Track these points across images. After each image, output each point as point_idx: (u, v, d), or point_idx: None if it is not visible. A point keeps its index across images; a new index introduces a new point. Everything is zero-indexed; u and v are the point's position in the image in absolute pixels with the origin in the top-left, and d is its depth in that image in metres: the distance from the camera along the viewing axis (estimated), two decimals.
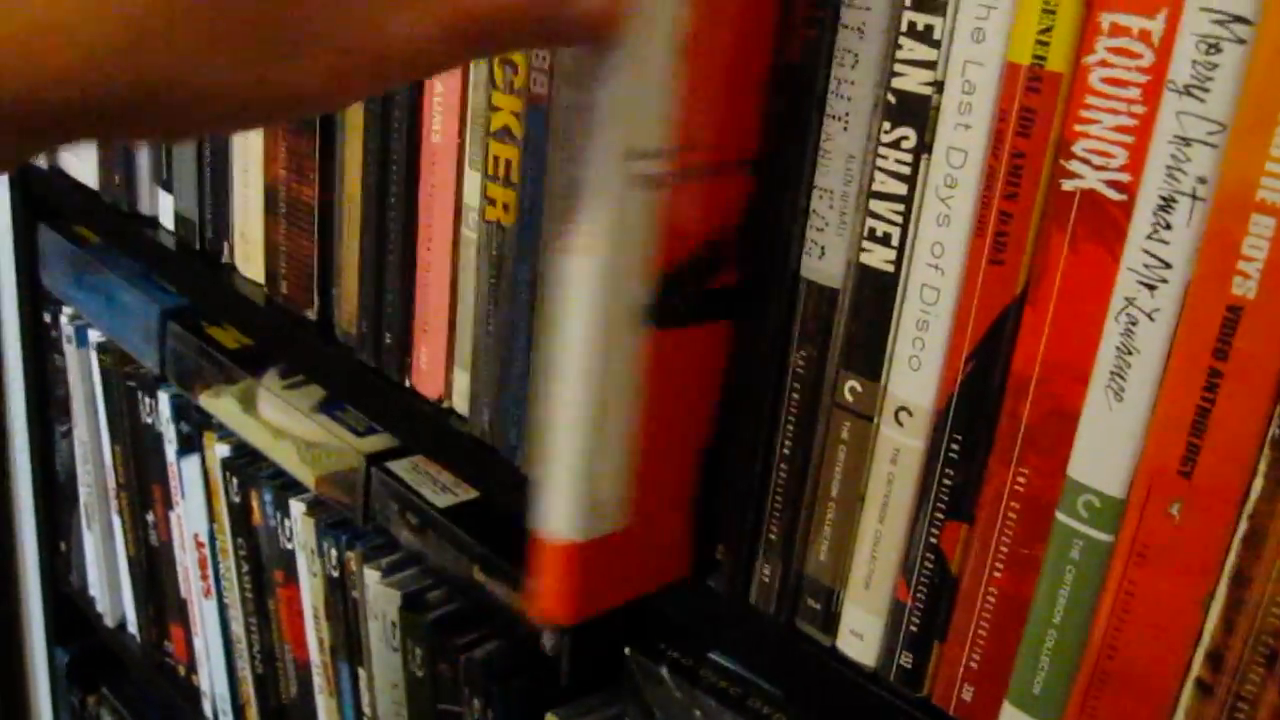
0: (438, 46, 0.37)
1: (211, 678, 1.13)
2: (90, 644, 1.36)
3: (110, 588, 1.26)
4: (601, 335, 0.46)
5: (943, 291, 0.46)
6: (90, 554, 1.27)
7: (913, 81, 0.45)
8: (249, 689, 1.08)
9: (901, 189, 0.46)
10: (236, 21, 0.34)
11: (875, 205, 0.47)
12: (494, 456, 0.68)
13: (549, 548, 0.50)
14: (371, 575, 0.84)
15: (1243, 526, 0.40)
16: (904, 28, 0.45)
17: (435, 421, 0.72)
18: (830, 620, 0.54)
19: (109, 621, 1.28)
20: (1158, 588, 0.43)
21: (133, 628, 1.25)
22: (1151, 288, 0.40)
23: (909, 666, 0.51)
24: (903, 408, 0.49)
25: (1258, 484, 0.39)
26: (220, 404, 0.97)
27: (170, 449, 1.06)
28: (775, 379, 0.53)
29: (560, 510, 0.49)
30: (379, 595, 0.83)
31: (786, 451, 0.53)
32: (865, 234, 0.48)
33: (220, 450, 0.99)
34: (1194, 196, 0.39)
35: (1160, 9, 0.39)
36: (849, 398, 0.50)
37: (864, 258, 0.48)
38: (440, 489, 0.81)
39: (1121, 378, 0.42)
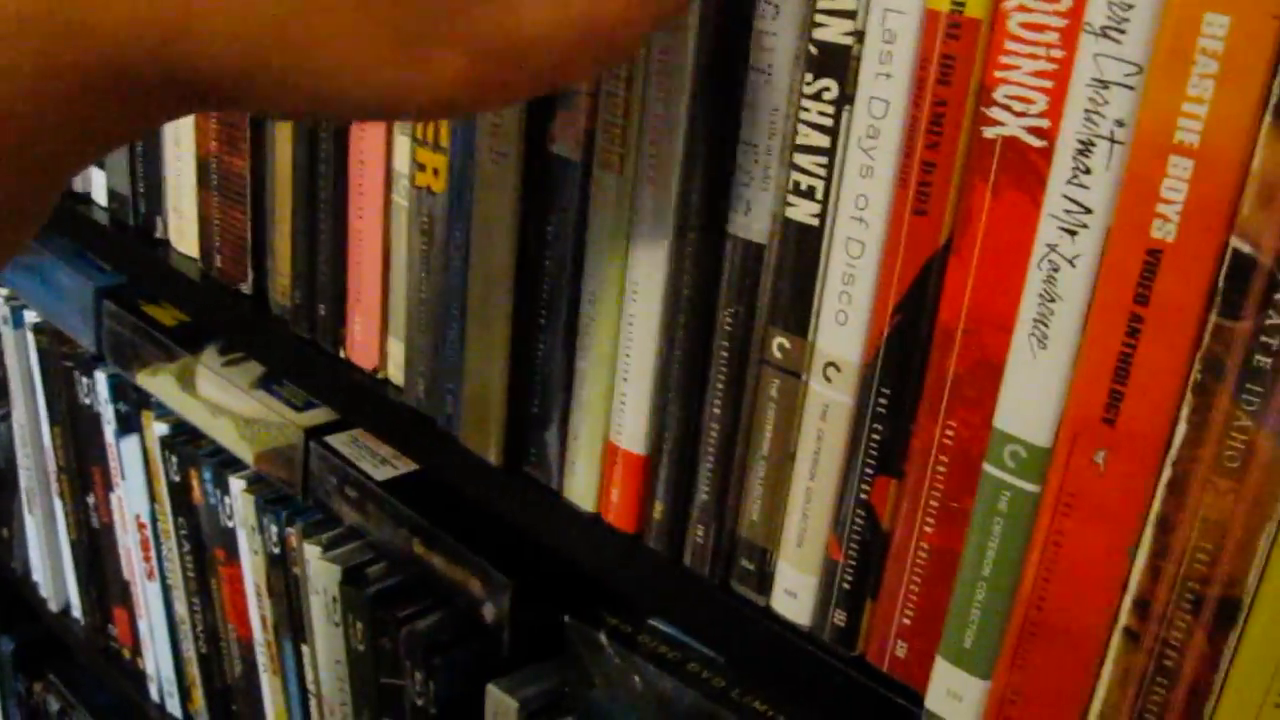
0: (576, 52, 0.37)
1: (157, 660, 1.12)
2: (35, 630, 1.34)
3: (53, 572, 1.25)
4: None
5: (867, 244, 0.46)
6: (32, 539, 1.25)
7: (834, 32, 0.45)
8: (194, 670, 1.07)
9: (825, 141, 0.46)
10: (374, 13, 0.34)
11: (799, 159, 0.47)
12: (431, 428, 0.67)
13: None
14: (312, 550, 0.83)
15: (1166, 473, 0.40)
16: None
17: (371, 393, 0.71)
18: (765, 580, 0.54)
19: (53, 607, 1.27)
20: (1084, 537, 0.42)
21: (77, 612, 1.24)
22: (1072, 233, 0.40)
23: (842, 625, 0.51)
24: (831, 363, 0.48)
25: (1180, 430, 0.39)
26: (158, 382, 0.96)
27: (109, 429, 1.05)
28: (704, 337, 0.52)
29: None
30: (320, 570, 0.82)
31: (716, 410, 0.53)
32: (790, 188, 0.47)
33: (159, 429, 0.98)
34: (1112, 140, 0.38)
35: None
36: (777, 355, 0.50)
37: (789, 212, 0.48)
38: (380, 462, 0.80)
39: (1045, 325, 0.41)
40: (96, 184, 0.93)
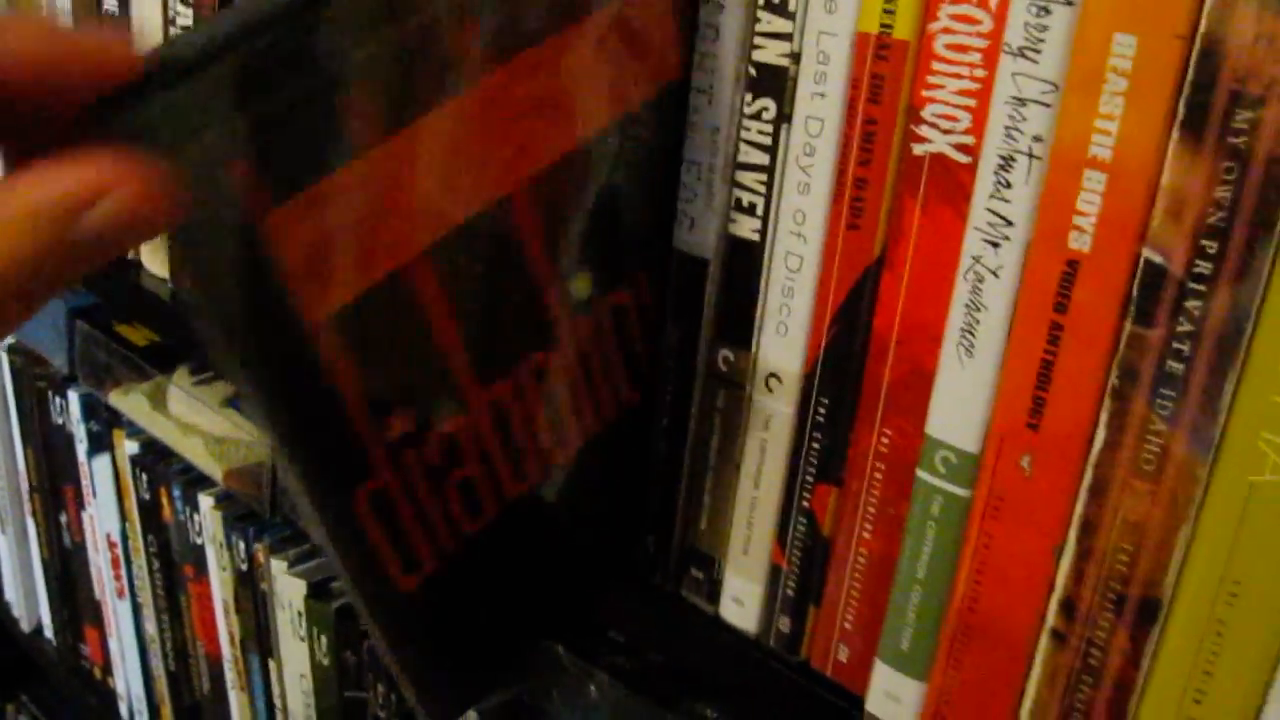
0: None
1: (127, 678, 1.13)
2: (7, 651, 1.34)
3: (26, 592, 1.25)
4: None
5: (805, 258, 0.47)
6: (5, 559, 1.26)
7: (771, 54, 0.46)
8: (163, 687, 1.07)
9: (764, 159, 0.47)
10: None
11: (741, 176, 0.48)
12: None
13: None
14: (279, 565, 0.84)
15: (1088, 476, 0.41)
16: (761, 1, 0.46)
17: None
18: (714, 588, 0.55)
19: (25, 627, 1.27)
20: (1012, 540, 0.44)
21: (49, 632, 1.24)
22: (996, 245, 0.41)
23: (787, 631, 0.53)
24: (773, 374, 0.50)
25: (1100, 434, 0.41)
26: (130, 401, 0.97)
27: (81, 449, 1.06)
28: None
29: None
30: (286, 585, 0.83)
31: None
32: (733, 204, 0.49)
33: (130, 447, 0.99)
34: (1031, 155, 0.40)
35: None
36: (723, 367, 0.51)
37: (732, 228, 0.49)
38: None
39: (971, 335, 0.43)
40: None
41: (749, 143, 0.48)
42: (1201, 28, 0.36)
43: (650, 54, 0.48)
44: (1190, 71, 0.36)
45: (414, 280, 0.43)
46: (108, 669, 1.16)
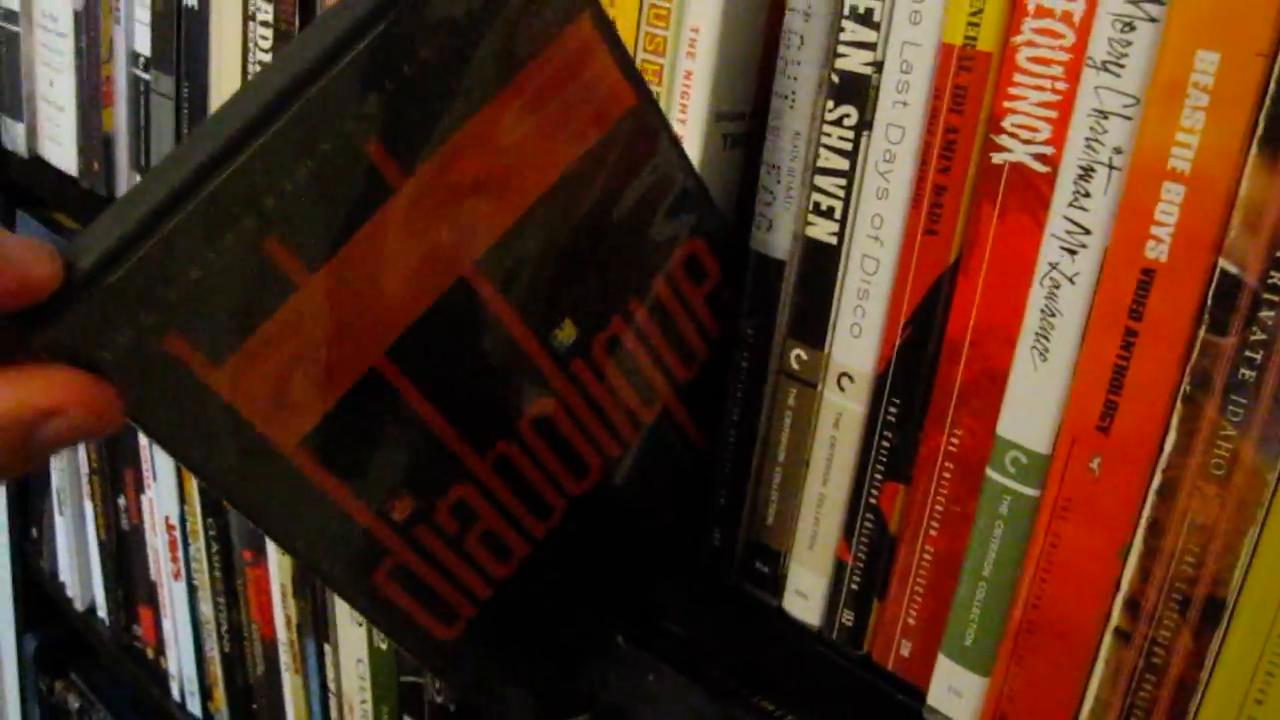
0: None
1: (180, 659, 1.15)
2: (59, 629, 1.37)
3: (80, 572, 1.28)
4: None
5: (882, 262, 0.49)
6: (61, 539, 1.28)
7: (854, 62, 0.48)
8: (216, 669, 1.09)
9: (844, 164, 0.49)
10: None
11: (819, 180, 0.50)
12: None
13: None
14: None
15: (1157, 479, 0.43)
16: (846, 11, 0.47)
17: None
18: (777, 582, 0.56)
19: (79, 606, 1.30)
20: (1079, 540, 0.45)
21: (102, 611, 1.27)
22: (1073, 253, 0.43)
23: (850, 624, 0.54)
24: (845, 373, 0.51)
25: (1171, 438, 0.42)
26: None
27: (142, 433, 1.08)
28: (726, 348, 0.55)
29: None
30: None
31: (735, 419, 0.56)
32: (810, 208, 0.50)
33: None
34: (1110, 166, 0.41)
35: None
36: (795, 365, 0.53)
37: (809, 230, 0.51)
38: None
39: (1046, 339, 0.44)
40: None
41: (829, 148, 0.49)
42: None
43: (591, 93, 0.46)
44: (1271, 88, 0.37)
45: (383, 381, 0.44)
46: (160, 649, 1.19)
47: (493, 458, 0.49)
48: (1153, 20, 0.39)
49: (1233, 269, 0.39)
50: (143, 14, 0.88)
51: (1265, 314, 0.39)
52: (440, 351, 0.45)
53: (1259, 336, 0.39)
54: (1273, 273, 0.38)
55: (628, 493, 0.55)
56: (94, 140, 0.98)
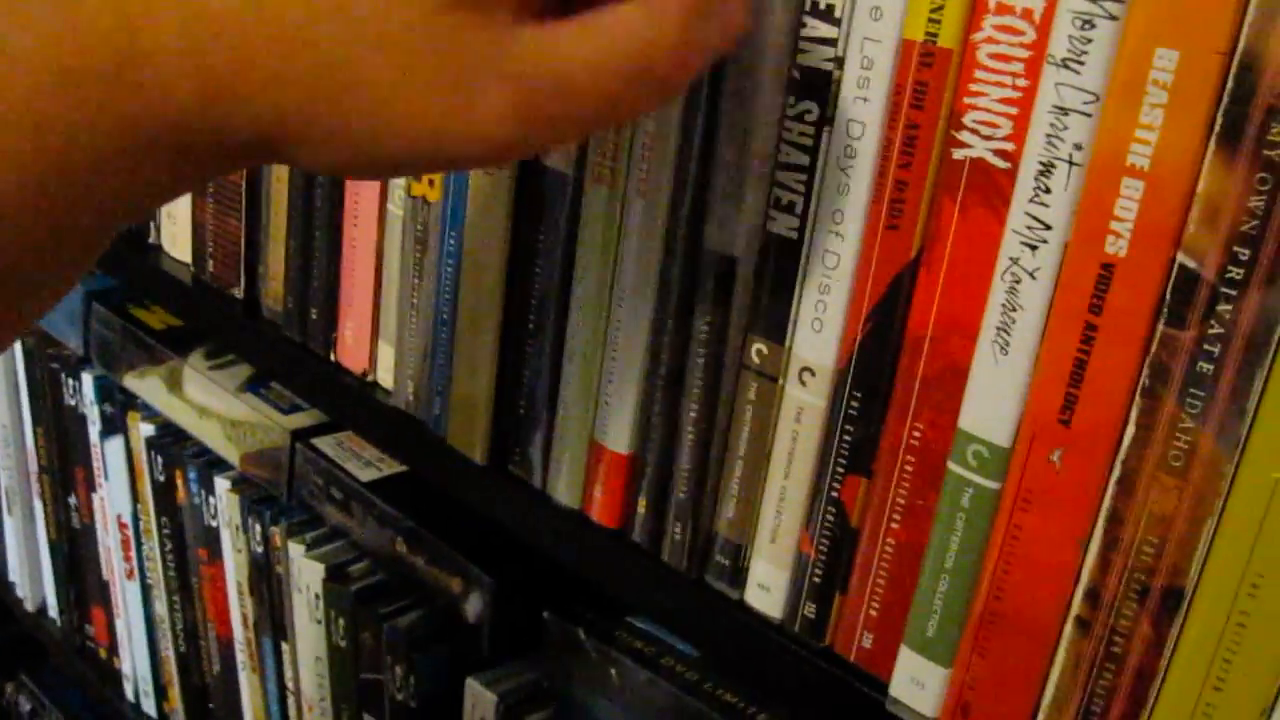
0: (625, 90, 0.37)
1: (134, 659, 1.14)
2: (9, 630, 1.36)
3: (30, 573, 1.26)
4: None
5: (843, 256, 0.49)
6: (10, 539, 1.27)
7: (816, 58, 0.48)
8: (171, 669, 1.09)
9: (805, 160, 0.49)
10: (416, 57, 0.34)
11: (781, 175, 0.50)
12: (419, 429, 0.70)
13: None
14: (296, 549, 0.85)
15: (1117, 471, 0.43)
16: (807, 6, 0.47)
17: (360, 395, 0.74)
18: (739, 575, 0.57)
19: (29, 607, 1.28)
20: (1040, 531, 0.46)
21: (53, 612, 1.25)
22: (1033, 248, 0.43)
23: (812, 617, 0.54)
24: (806, 368, 0.51)
25: (1130, 431, 0.42)
26: (145, 385, 0.98)
27: (93, 430, 1.07)
28: (682, 344, 0.55)
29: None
30: (303, 568, 0.85)
31: (693, 414, 0.56)
32: (771, 203, 0.51)
33: (145, 430, 1.00)
34: (1071, 162, 0.42)
35: None
36: (756, 360, 0.53)
37: (770, 225, 0.51)
38: (365, 464, 0.83)
39: (1007, 333, 0.45)
40: None
41: (790, 143, 0.49)
42: (1241, 44, 0.37)
43: None
44: (1229, 86, 0.38)
45: None
46: (113, 649, 1.18)
47: None
48: (1113, 18, 0.40)
49: (1191, 263, 0.40)
50: None
51: (1223, 308, 0.39)
52: None
53: (1216, 330, 0.40)
54: (1230, 267, 0.39)
55: None
56: None
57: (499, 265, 0.61)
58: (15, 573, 1.29)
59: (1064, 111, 0.41)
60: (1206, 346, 0.40)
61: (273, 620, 0.92)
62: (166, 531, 1.02)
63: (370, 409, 0.73)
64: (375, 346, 0.72)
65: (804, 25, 0.48)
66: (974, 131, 0.44)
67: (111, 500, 1.08)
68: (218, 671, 1.02)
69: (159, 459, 0.99)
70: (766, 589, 0.56)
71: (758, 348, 0.53)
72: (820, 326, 0.50)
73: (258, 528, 0.90)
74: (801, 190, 0.50)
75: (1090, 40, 0.40)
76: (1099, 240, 0.41)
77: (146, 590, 1.08)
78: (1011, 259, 0.44)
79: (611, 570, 0.62)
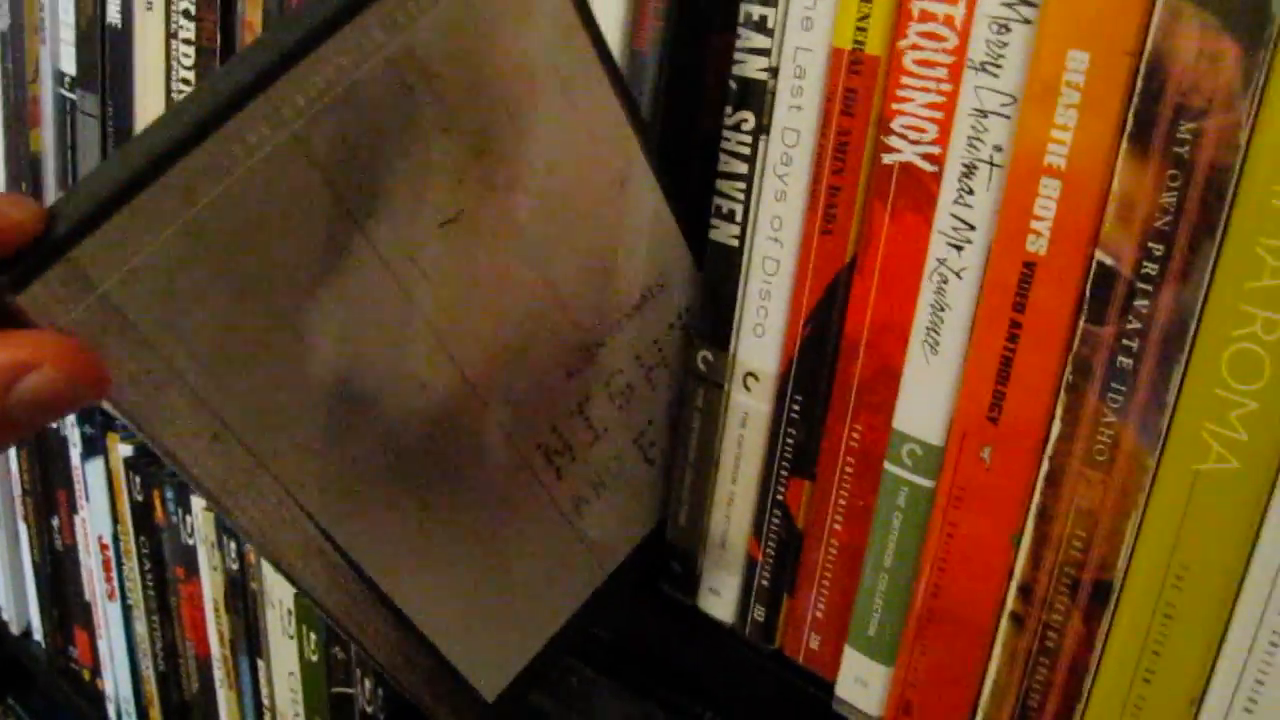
0: None
1: (116, 680, 1.14)
2: None
3: (16, 595, 1.27)
4: None
5: (782, 262, 0.50)
6: None
7: (751, 68, 0.49)
8: (152, 688, 1.09)
9: (744, 168, 0.50)
10: None
11: (722, 184, 0.51)
12: None
13: None
14: (269, 566, 0.86)
15: (1044, 467, 0.44)
16: (742, 19, 0.49)
17: None
18: (691, 581, 0.57)
19: (14, 629, 1.29)
20: (974, 528, 0.46)
21: (38, 635, 1.26)
22: (959, 249, 0.44)
23: (762, 620, 0.55)
24: (750, 373, 0.52)
25: (1056, 426, 0.43)
26: None
27: (74, 453, 1.08)
28: None
29: None
30: (276, 584, 0.85)
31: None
32: (714, 212, 0.52)
33: (123, 450, 1.01)
34: (991, 164, 0.43)
35: None
36: (702, 367, 0.54)
37: (713, 234, 0.52)
38: None
39: (936, 333, 0.45)
40: None
41: (729, 153, 0.50)
42: (1149, 45, 0.38)
43: None
44: (1138, 86, 0.39)
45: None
46: (96, 671, 1.18)
47: None
48: (1027, 22, 0.41)
49: (1108, 260, 0.41)
50: (68, 34, 0.88)
51: (1140, 303, 0.40)
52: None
53: (1135, 325, 0.40)
54: (1146, 263, 0.40)
55: None
56: (21, 161, 0.98)
57: None
58: (1, 597, 1.29)
59: (984, 114, 0.42)
60: (1125, 342, 0.41)
61: (248, 638, 0.92)
62: (146, 551, 1.02)
63: None
64: None
65: (739, 36, 0.49)
66: (902, 136, 0.45)
67: (93, 521, 1.09)
68: (197, 690, 1.03)
69: (137, 479, 1.00)
70: (718, 594, 0.56)
71: (704, 355, 0.54)
72: (762, 332, 0.51)
73: (233, 545, 0.90)
74: (741, 198, 0.51)
75: (1006, 44, 0.41)
76: (1020, 239, 0.42)
77: (127, 610, 1.09)
78: (939, 260, 0.45)
79: None
